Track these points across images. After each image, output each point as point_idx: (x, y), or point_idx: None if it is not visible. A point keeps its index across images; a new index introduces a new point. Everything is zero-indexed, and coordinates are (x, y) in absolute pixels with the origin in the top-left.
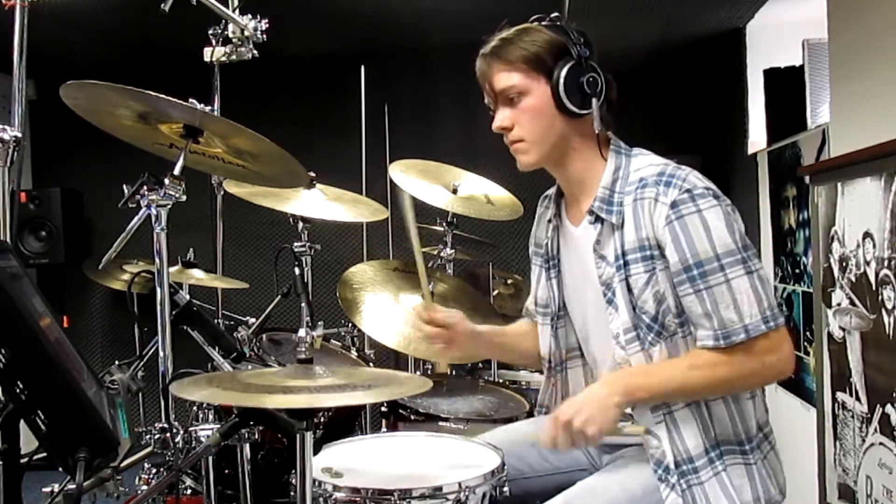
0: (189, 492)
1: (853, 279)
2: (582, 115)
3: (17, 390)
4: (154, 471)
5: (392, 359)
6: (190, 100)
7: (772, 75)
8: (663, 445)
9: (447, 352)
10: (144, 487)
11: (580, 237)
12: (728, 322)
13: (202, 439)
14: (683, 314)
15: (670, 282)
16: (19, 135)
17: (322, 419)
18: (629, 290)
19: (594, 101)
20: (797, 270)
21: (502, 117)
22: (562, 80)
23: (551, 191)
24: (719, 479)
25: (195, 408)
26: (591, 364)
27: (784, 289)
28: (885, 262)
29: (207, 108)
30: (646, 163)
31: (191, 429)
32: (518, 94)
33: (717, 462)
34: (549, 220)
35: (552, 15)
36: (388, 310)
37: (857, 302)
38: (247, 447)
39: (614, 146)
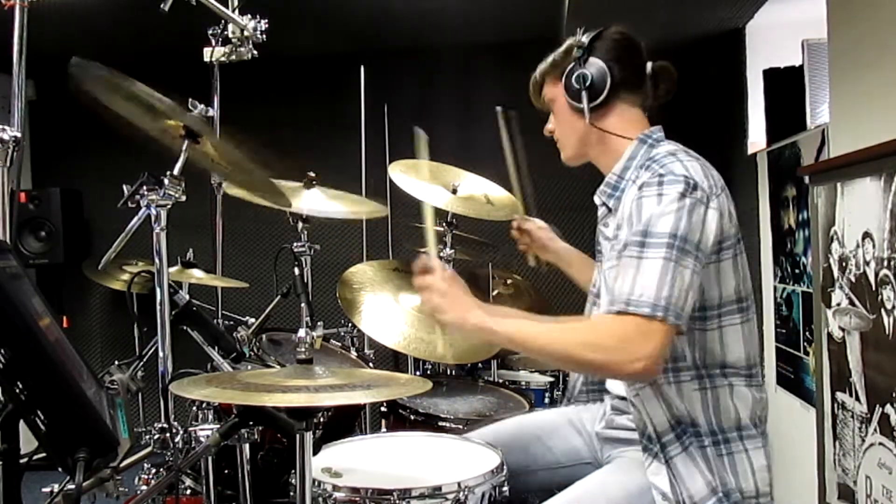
0: (189, 492)
1: (853, 279)
2: (591, 108)
3: (17, 390)
4: (154, 471)
5: (392, 359)
6: (190, 100)
7: (771, 75)
8: (643, 417)
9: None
10: (144, 487)
11: None
12: (618, 293)
13: (202, 439)
14: None
15: None
16: (19, 135)
17: (322, 419)
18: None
19: (584, 95)
20: (797, 270)
21: (548, 123)
22: (562, 82)
23: None
24: (689, 455)
25: (195, 408)
26: None
27: (784, 289)
28: (885, 263)
29: (206, 109)
30: (656, 151)
31: (190, 429)
32: (551, 101)
33: (685, 439)
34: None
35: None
36: (387, 310)
37: (857, 302)
38: (246, 447)
39: (643, 136)
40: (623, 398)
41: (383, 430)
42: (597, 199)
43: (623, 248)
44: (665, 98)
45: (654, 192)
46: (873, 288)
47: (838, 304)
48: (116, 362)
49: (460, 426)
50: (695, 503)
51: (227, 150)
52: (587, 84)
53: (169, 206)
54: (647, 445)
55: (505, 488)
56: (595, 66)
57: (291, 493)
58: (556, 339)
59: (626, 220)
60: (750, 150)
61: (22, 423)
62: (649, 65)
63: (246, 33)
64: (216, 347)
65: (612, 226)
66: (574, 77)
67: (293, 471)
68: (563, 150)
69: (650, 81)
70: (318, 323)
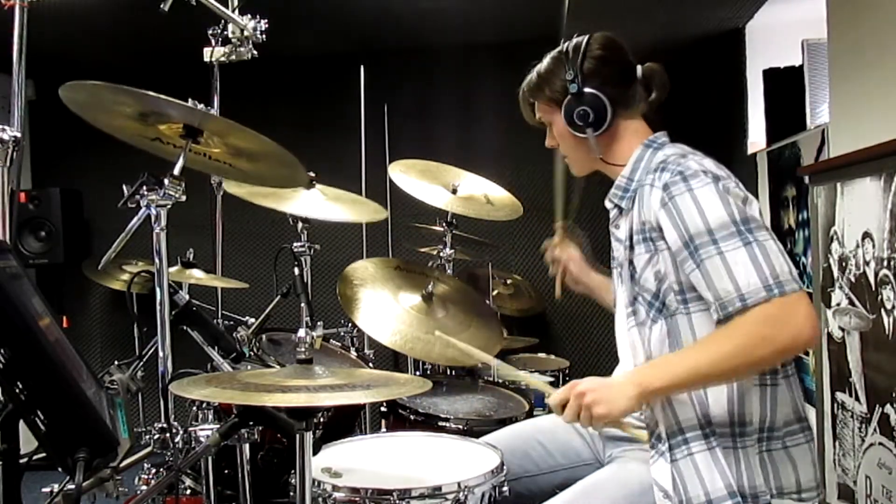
0: (189, 492)
1: (853, 279)
2: (596, 135)
3: (17, 390)
4: (154, 471)
5: (391, 359)
6: (189, 100)
7: (771, 75)
8: (663, 415)
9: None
10: (144, 487)
11: None
12: (724, 293)
13: (202, 439)
14: (685, 293)
15: (673, 262)
16: (19, 135)
17: (321, 419)
18: (633, 269)
19: (589, 130)
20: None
21: (548, 138)
22: (563, 115)
23: None
24: (703, 458)
25: (195, 408)
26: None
27: None
28: (885, 262)
29: (207, 109)
30: (664, 154)
31: (190, 429)
32: (549, 123)
33: (692, 443)
34: None
35: (576, 36)
36: (386, 308)
37: (857, 302)
38: (246, 447)
39: (648, 141)
40: None
41: (383, 430)
42: (608, 203)
43: (690, 253)
44: (660, 99)
45: (685, 189)
46: (873, 288)
47: (838, 304)
48: (116, 362)
49: (460, 426)
50: (710, 501)
51: (231, 130)
52: (590, 120)
53: (169, 206)
54: (655, 444)
55: (505, 488)
56: (591, 97)
57: (291, 493)
58: (716, 364)
59: (668, 222)
60: (750, 150)
61: (22, 423)
62: (639, 69)
63: (246, 33)
64: (216, 347)
65: (624, 227)
66: (575, 114)
67: (293, 471)
68: (572, 166)
69: (642, 87)
70: (318, 323)
